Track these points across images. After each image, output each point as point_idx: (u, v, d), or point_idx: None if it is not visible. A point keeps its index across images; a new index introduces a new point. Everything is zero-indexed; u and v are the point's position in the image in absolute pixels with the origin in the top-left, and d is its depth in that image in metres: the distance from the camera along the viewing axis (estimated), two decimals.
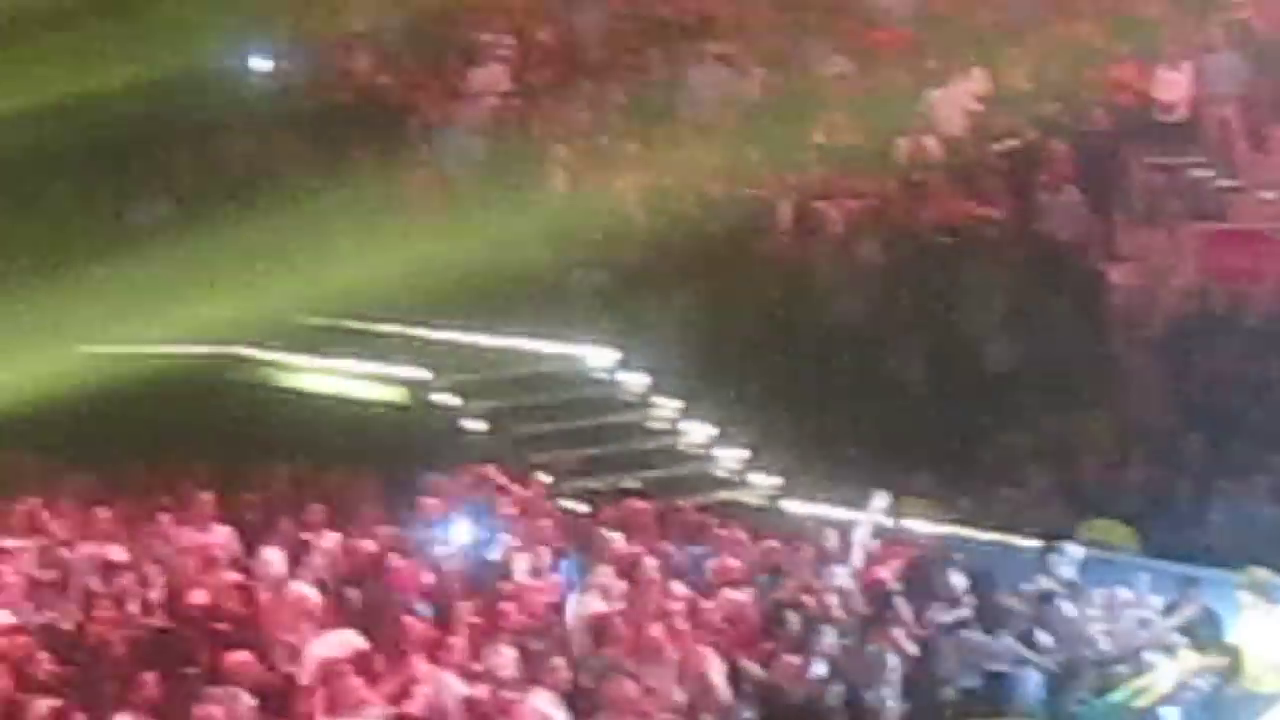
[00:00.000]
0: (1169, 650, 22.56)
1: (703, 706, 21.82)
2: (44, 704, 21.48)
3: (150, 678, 21.79)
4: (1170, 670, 22.33)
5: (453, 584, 24.51)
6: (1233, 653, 22.26)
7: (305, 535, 25.55)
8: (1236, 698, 21.82)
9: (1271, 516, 26.40)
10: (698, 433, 30.21)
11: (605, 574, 24.43)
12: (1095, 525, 26.73)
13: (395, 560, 24.84)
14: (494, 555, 25.20)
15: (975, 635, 23.01)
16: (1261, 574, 22.21)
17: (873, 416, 29.17)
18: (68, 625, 23.59)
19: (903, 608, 23.46)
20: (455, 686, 21.66)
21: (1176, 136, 30.96)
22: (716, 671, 22.38)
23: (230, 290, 30.20)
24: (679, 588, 24.01)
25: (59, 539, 25.63)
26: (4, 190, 32.81)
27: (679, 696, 21.81)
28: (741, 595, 24.16)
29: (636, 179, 32.55)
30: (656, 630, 22.78)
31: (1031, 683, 22.47)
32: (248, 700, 21.29)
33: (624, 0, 36.16)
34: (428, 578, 24.60)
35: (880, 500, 25.74)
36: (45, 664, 22.42)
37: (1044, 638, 22.89)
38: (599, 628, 23.19)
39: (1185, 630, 22.56)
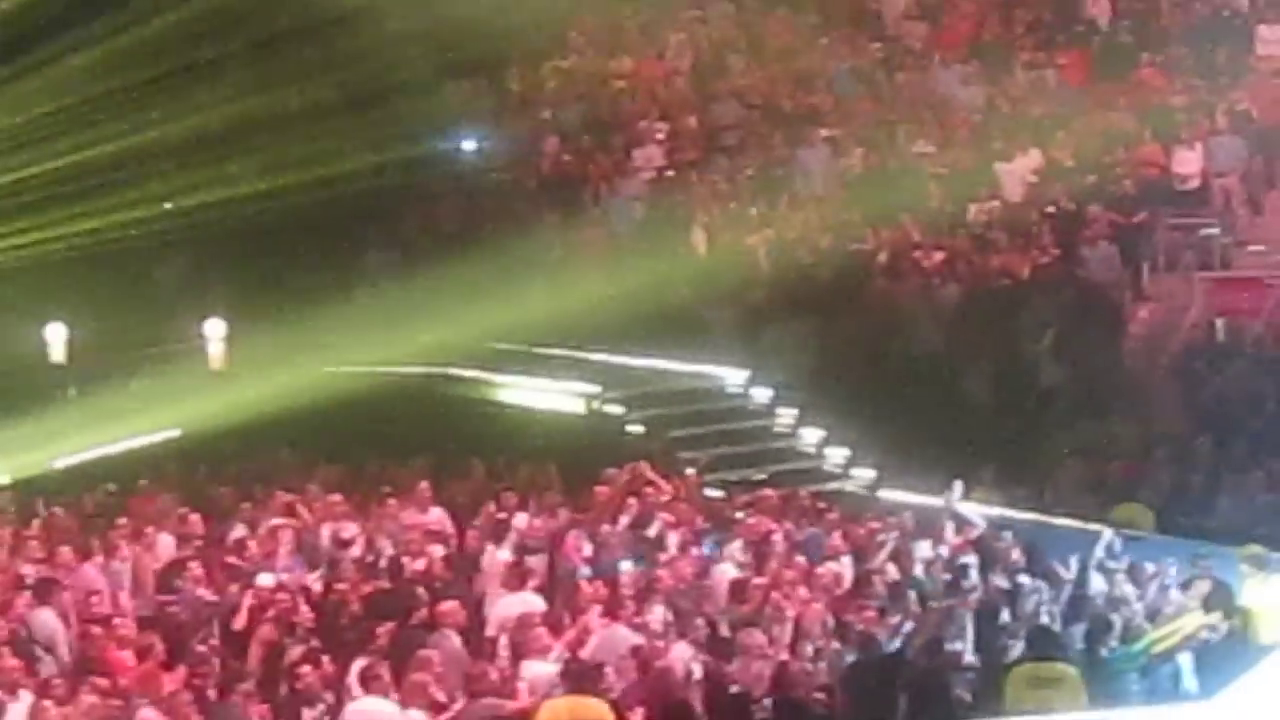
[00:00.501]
0: (1182, 610, 22.74)
1: (810, 655, 22.06)
2: (298, 649, 21.84)
3: (382, 627, 22.14)
4: (1183, 625, 22.49)
5: (619, 555, 24.75)
6: (1237, 612, 22.50)
7: (501, 516, 25.80)
8: (1238, 646, 22.02)
9: (1266, 503, 26.58)
10: (811, 436, 30.29)
11: (739, 548, 24.69)
12: (1122, 509, 26.83)
13: (570, 536, 25.12)
14: (651, 532, 25.40)
15: (1027, 596, 23.21)
16: (1258, 549, 22.54)
17: (948, 422, 29.14)
18: (317, 587, 23.90)
19: (973, 574, 23.67)
20: (625, 636, 21.90)
21: (1190, 202, 30.96)
22: (825, 625, 22.64)
23: (444, 323, 30.26)
24: (797, 559, 24.31)
25: (311, 519, 25.97)
26: (274, 243, 33.06)
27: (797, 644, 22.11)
28: (845, 565, 24.42)
29: (762, 235, 32.63)
30: (779, 592, 23.06)
31: (1073, 634, 22.65)
32: (456, 642, 21.64)
33: (751, 93, 36.00)
34: (596, 550, 24.90)
35: (956, 489, 25.94)
36: (302, 617, 22.78)
37: (1081, 599, 23.15)
38: (734, 590, 23.42)
39: (1204, 599, 22.75)
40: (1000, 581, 23.39)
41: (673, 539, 25.14)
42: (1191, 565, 23.27)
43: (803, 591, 23.49)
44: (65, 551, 24.73)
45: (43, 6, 35.08)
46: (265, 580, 24.11)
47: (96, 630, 22.52)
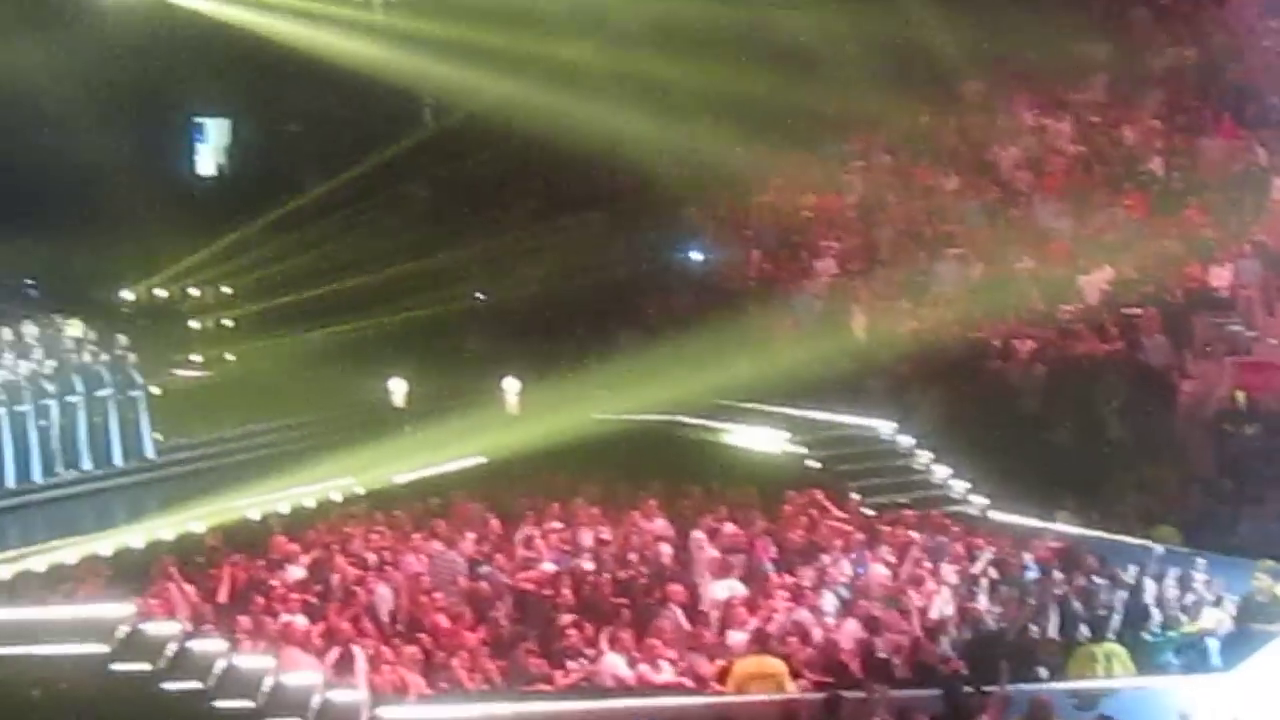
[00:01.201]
0: (1207, 607, 22.76)
1: (939, 629, 22.18)
2: (568, 617, 22.10)
3: (626, 605, 22.39)
4: (1208, 618, 22.50)
5: (798, 557, 24.94)
6: (1250, 609, 22.49)
7: (714, 524, 25.99)
8: (1250, 634, 21.99)
9: (1277, 529, 26.52)
10: (940, 471, 30.21)
11: (886, 552, 24.81)
12: (1159, 530, 26.81)
13: (761, 541, 25.29)
14: (821, 538, 25.56)
15: (1099, 592, 23.26)
16: (1271, 564, 22.49)
17: (1041, 464, 28.94)
18: (577, 573, 24.20)
19: (1056, 574, 23.71)
20: (804, 616, 22.12)
21: (1221, 306, 30.66)
22: (948, 610, 22.75)
23: (676, 384, 30.33)
24: (927, 562, 24.44)
25: (573, 523, 26.27)
26: (555, 324, 33.26)
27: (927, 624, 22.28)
28: (963, 565, 24.53)
29: (908, 325, 32.59)
30: (913, 586, 23.23)
31: (1127, 621, 22.69)
32: (680, 615, 21.85)
33: (902, 221, 35.98)
34: (781, 552, 25.10)
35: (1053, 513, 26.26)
36: (570, 595, 23.06)
37: (1136, 595, 23.18)
38: (881, 584, 23.57)
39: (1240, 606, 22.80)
40: (1079, 581, 23.42)
41: (838, 543, 25.34)
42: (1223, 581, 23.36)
43: (931, 585, 23.74)
44: (401, 544, 25.15)
45: (391, 159, 35.54)
46: (546, 567, 24.46)
47: (423, 600, 22.90)
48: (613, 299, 35.01)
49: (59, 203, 34.75)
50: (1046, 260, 33.25)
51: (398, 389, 33.15)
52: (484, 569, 24.61)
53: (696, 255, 37.55)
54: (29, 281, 35.12)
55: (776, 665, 20.96)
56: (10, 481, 27.37)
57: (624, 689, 20.80)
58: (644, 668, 21.22)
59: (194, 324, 37.55)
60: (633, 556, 25.02)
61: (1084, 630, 22.57)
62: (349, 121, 36.07)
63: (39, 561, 24.35)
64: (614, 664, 21.21)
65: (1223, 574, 23.32)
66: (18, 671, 18.78)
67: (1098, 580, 23.49)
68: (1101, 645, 21.90)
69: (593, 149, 33.96)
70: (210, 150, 41.47)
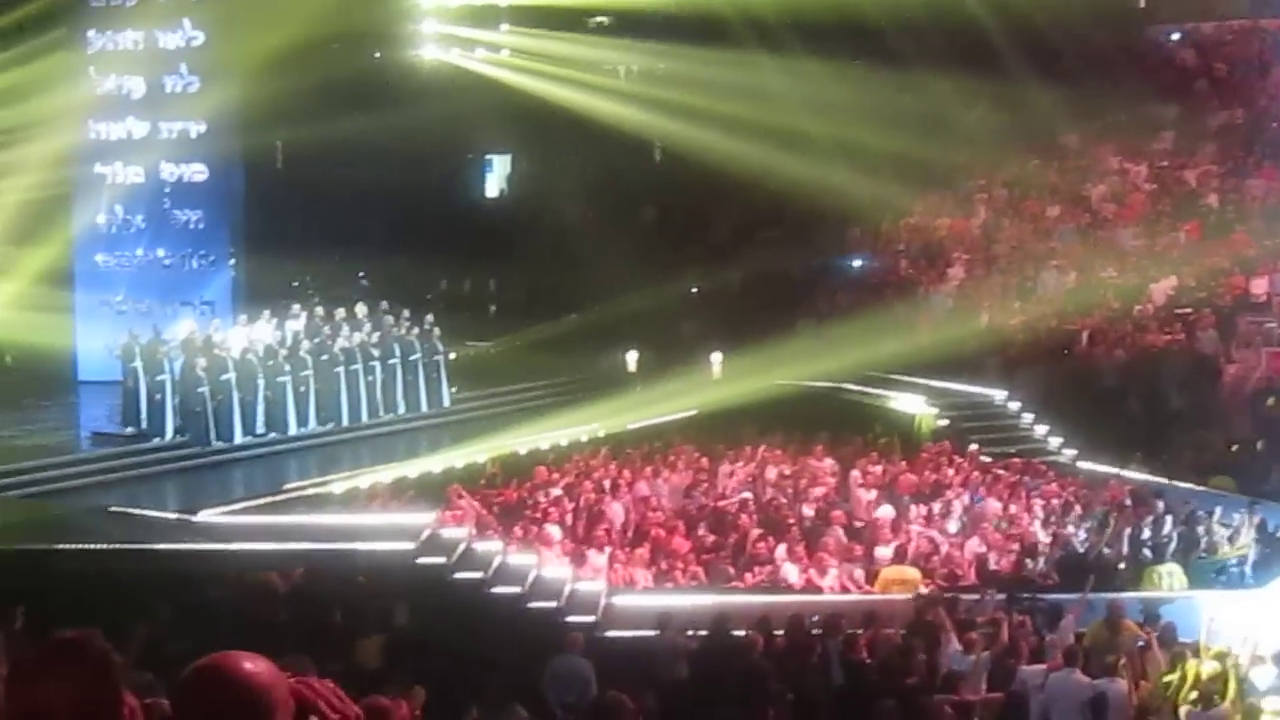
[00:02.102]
0: (1243, 538, 22.32)
1: (1036, 549, 21.93)
2: (755, 532, 22.07)
3: (799, 525, 22.34)
4: (1243, 546, 22.10)
5: (929, 490, 24.79)
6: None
7: (867, 465, 25.89)
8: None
9: None
10: (1040, 429, 29.81)
11: (998, 491, 24.58)
12: (1216, 479, 26.34)
13: (903, 478, 25.16)
14: (947, 478, 25.37)
15: (1161, 524, 22.90)
16: None
17: (1119, 426, 28.69)
18: (762, 500, 24.20)
19: (1127, 510, 23.36)
20: (934, 537, 21.99)
21: (1260, 309, 30.29)
22: (1043, 537, 22.48)
23: (839, 358, 30.11)
24: (1028, 497, 24.19)
25: (760, 462, 26.23)
26: (750, 312, 33.15)
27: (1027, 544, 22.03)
28: (1055, 501, 24.24)
29: (1018, 318, 32.29)
30: (1017, 516, 22.97)
31: (1181, 548, 22.33)
32: (841, 533, 21.75)
33: (1014, 240, 35.58)
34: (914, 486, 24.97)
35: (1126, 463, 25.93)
36: (754, 516, 23.01)
37: (1189, 528, 22.78)
38: (993, 514, 23.36)
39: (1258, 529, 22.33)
40: (1146, 515, 23.08)
41: (960, 483, 25.16)
42: (1249, 510, 22.90)
43: (1031, 515, 23.53)
44: (632, 474, 25.25)
45: (628, 188, 35.61)
46: (740, 495, 24.47)
47: (648, 517, 22.98)
48: (792, 294, 34.91)
49: (383, 218, 35.26)
50: (1124, 271, 32.84)
51: (631, 358, 33.30)
52: (693, 495, 24.68)
53: (857, 262, 37.34)
54: (361, 274, 35.60)
55: (913, 573, 20.96)
56: (345, 421, 27.78)
57: (795, 590, 20.81)
58: (812, 573, 21.20)
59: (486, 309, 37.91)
60: (805, 488, 24.97)
61: (1147, 554, 22.25)
62: (598, 157, 36.19)
63: (364, 480, 24.70)
64: (789, 571, 21.21)
65: (1257, 513, 22.85)
66: (348, 562, 19.12)
67: (1160, 515, 23.16)
68: (1163, 566, 21.59)
69: (779, 182, 33.83)
70: (495, 179, 41.79)
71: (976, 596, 19.35)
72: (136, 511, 21.86)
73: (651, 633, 18.07)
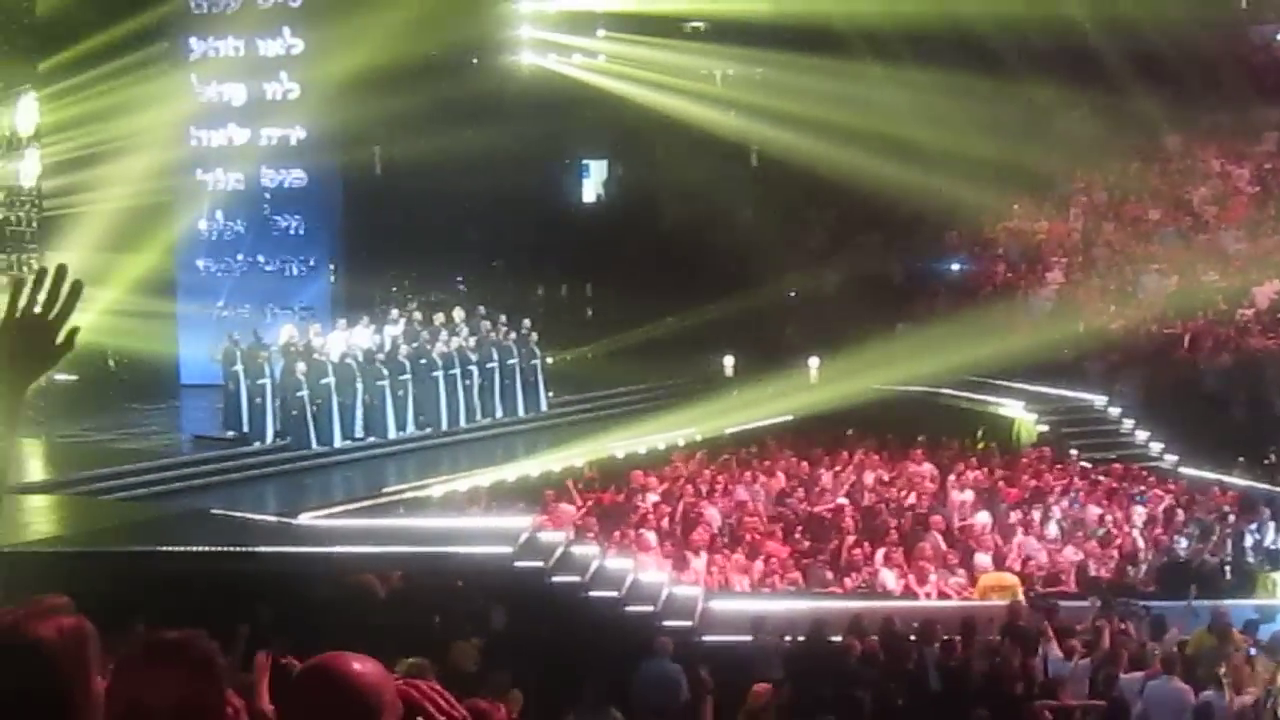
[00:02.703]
0: None
1: (1137, 556, 21.71)
2: (850, 538, 21.97)
3: (896, 530, 22.23)
4: None
5: (1029, 495, 24.63)
6: None
7: (966, 470, 25.75)
8: None
9: None
10: (1141, 435, 29.51)
11: (1098, 497, 24.37)
12: None
13: (1001, 484, 25.02)
14: (1046, 483, 25.18)
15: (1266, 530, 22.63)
16: None
17: (1221, 430, 28.36)
18: (859, 505, 24.12)
19: (1232, 515, 23.10)
20: (1033, 543, 21.82)
21: None
22: (1141, 543, 22.26)
23: (937, 363, 29.98)
24: (1129, 503, 23.95)
25: (857, 466, 26.17)
26: (845, 318, 32.98)
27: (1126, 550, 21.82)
28: (1157, 507, 23.99)
29: (1118, 323, 32.05)
30: (1118, 522, 22.74)
31: None
32: (939, 539, 21.62)
33: (1115, 243, 35.27)
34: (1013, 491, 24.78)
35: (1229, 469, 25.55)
36: (851, 521, 22.90)
37: None
38: (1093, 520, 23.17)
39: None
40: (1251, 522, 22.83)
41: (1058, 486, 24.98)
42: None
43: (1131, 521, 23.32)
44: (729, 479, 25.24)
45: (724, 191, 35.58)
46: (837, 500, 24.38)
47: (745, 521, 22.95)
48: (891, 298, 34.73)
49: (481, 223, 35.41)
50: (1227, 274, 32.55)
51: (728, 363, 33.31)
52: (790, 499, 24.63)
53: (955, 266, 37.13)
54: (459, 279, 35.77)
55: (1012, 579, 20.81)
56: (443, 426, 27.91)
57: (894, 595, 20.72)
58: (910, 579, 21.10)
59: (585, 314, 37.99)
60: (902, 493, 24.87)
61: (1252, 560, 22.00)
62: (695, 162, 36.17)
63: (463, 484, 24.83)
64: (886, 577, 21.11)
65: None
66: (446, 565, 19.19)
67: (1264, 521, 22.87)
68: (1277, 573, 21.38)
69: (877, 186, 33.71)
70: (592, 184, 41.87)
71: (1077, 603, 19.18)
72: (237, 514, 22.08)
73: (747, 638, 18.04)
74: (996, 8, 33.47)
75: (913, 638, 17.35)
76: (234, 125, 31.30)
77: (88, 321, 25.37)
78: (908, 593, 20.81)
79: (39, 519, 20.41)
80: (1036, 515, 23.42)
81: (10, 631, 3.73)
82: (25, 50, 27.19)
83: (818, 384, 31.25)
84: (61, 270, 4.19)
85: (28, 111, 27.04)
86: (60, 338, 4.17)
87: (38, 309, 4.14)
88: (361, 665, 3.81)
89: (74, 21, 27.70)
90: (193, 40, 31.06)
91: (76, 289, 4.17)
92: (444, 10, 30.63)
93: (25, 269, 27.47)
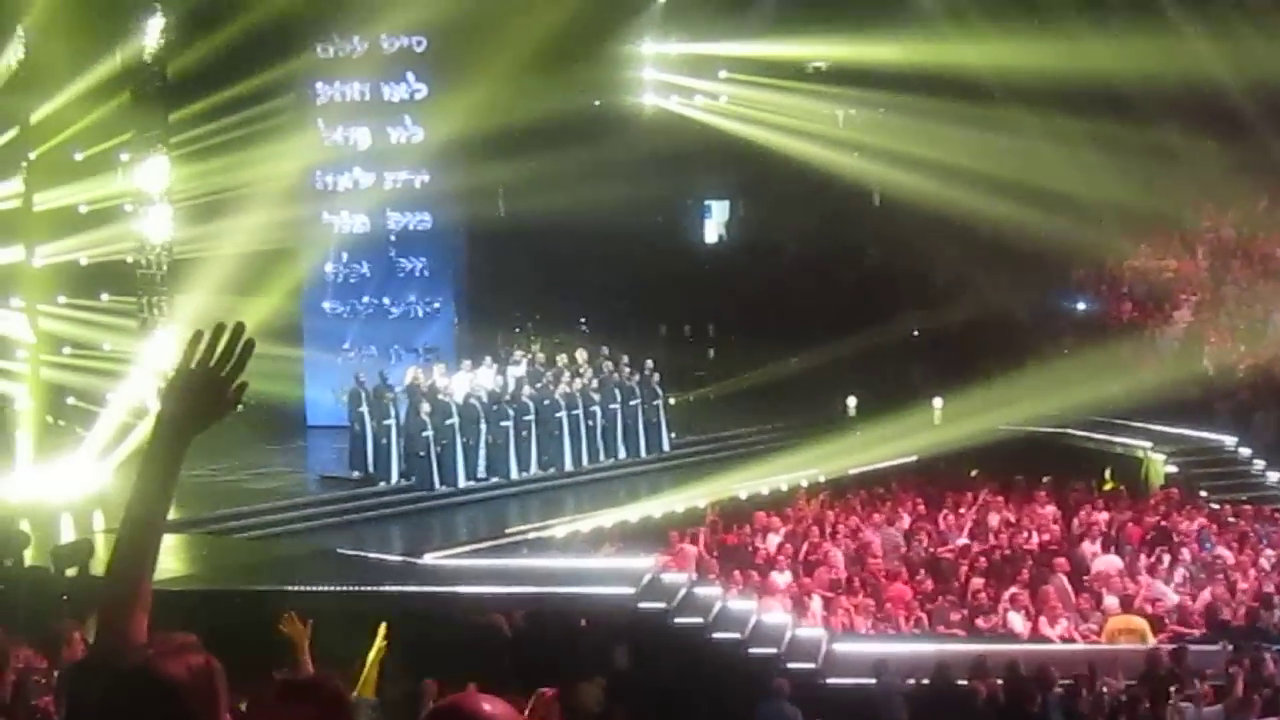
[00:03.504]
0: None
1: (1270, 599, 21.35)
2: (977, 581, 21.79)
3: (1022, 572, 21.99)
4: None
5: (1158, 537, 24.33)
6: None
7: (1093, 511, 25.49)
8: None
9: None
10: (1272, 476, 29.12)
11: (1228, 539, 24.05)
12: None
13: (1129, 525, 24.76)
14: (1176, 525, 24.88)
15: None
16: None
17: None
18: (985, 547, 23.93)
19: None
20: (1161, 587, 21.55)
21: None
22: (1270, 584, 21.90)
23: (1061, 403, 29.71)
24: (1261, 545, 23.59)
25: (982, 507, 26.00)
26: (968, 358, 32.77)
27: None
28: None
29: (1248, 360, 31.80)
30: (1251, 565, 22.40)
31: None
32: (1063, 581, 21.38)
33: (1243, 280, 34.80)
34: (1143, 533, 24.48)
35: None
36: (976, 563, 22.73)
37: None
38: (1224, 562, 22.85)
39: None
40: None
41: (1190, 531, 24.64)
42: None
43: (1264, 564, 22.97)
44: (853, 520, 25.17)
45: (842, 231, 35.47)
46: (961, 541, 24.23)
47: (869, 562, 22.86)
48: (1015, 337, 34.41)
49: (603, 264, 35.54)
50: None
51: (851, 403, 33.20)
52: (914, 541, 24.51)
53: (1080, 304, 36.81)
54: (581, 320, 35.94)
55: (1140, 623, 20.51)
56: (568, 465, 28.07)
57: (1020, 638, 20.52)
58: (1039, 621, 20.89)
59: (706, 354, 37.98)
60: (1028, 535, 24.65)
61: None
62: (817, 202, 36.15)
63: (585, 524, 24.93)
64: (1013, 619, 20.91)
65: None
66: (570, 605, 19.26)
67: None
68: None
69: (1001, 224, 33.48)
70: (714, 224, 41.92)
71: (1206, 647, 18.88)
72: (363, 554, 22.31)
73: (871, 680, 17.95)
74: (1128, 56, 32.97)
75: (1034, 681, 17.17)
76: (359, 169, 31.72)
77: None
78: (1034, 635, 20.59)
79: (170, 557, 20.71)
80: (1165, 557, 23.10)
81: (142, 670, 3.83)
82: (156, 109, 27.84)
83: (942, 424, 31.04)
84: (239, 328, 4.32)
85: (158, 170, 27.64)
86: (231, 392, 4.31)
87: (213, 363, 4.28)
88: (491, 705, 3.87)
89: (205, 78, 28.28)
90: (319, 85, 31.52)
91: (249, 346, 4.35)
92: (567, 54, 30.85)
93: (154, 311, 27.89)
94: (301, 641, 7.35)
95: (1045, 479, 27.44)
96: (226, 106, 29.39)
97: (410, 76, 31.33)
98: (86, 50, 26.59)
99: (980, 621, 21.06)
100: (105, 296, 29.38)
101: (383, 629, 9.38)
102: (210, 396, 4.36)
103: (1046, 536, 24.57)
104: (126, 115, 27.50)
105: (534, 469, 27.84)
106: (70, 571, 19.47)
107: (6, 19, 25.61)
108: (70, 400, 28.22)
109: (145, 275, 28.16)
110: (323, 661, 7.66)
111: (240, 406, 4.47)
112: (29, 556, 20.41)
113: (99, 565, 19.60)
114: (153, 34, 27.34)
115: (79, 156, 27.85)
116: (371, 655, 9.26)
